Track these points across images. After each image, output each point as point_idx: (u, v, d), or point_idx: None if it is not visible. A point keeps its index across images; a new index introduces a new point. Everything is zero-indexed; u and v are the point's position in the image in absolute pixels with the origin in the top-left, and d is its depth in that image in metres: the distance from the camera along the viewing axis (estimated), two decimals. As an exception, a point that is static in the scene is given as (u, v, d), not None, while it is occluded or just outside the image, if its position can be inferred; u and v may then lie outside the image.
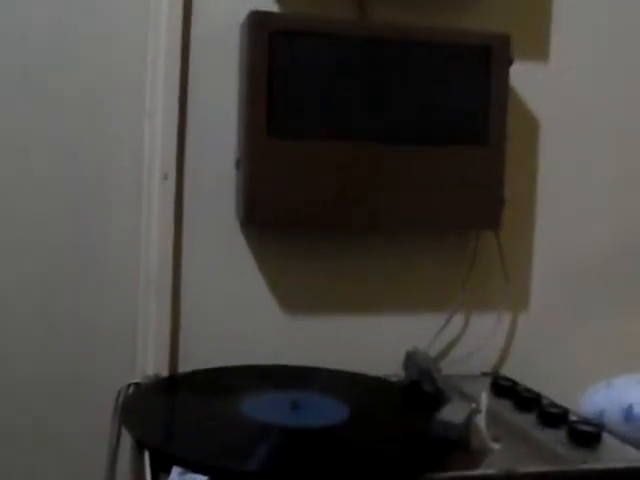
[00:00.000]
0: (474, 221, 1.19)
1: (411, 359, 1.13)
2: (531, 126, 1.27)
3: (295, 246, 1.19)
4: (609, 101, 1.31)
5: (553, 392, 1.10)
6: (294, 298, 1.20)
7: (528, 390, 1.11)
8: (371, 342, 1.22)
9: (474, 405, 0.93)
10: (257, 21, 1.06)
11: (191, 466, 0.79)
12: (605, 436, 0.96)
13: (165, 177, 1.12)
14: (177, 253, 1.14)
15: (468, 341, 1.27)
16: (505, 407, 1.07)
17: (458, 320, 1.27)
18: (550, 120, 1.28)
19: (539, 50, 1.27)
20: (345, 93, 1.10)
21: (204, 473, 0.78)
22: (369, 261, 1.22)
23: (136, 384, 1.07)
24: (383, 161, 1.12)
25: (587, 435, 0.94)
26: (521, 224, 1.28)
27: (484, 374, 1.23)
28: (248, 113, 1.07)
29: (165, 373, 1.13)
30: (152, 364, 1.12)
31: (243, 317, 1.18)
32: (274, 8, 1.14)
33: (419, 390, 1.08)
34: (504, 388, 1.12)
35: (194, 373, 1.11)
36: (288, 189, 1.08)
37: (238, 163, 1.12)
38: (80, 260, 1.12)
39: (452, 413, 0.89)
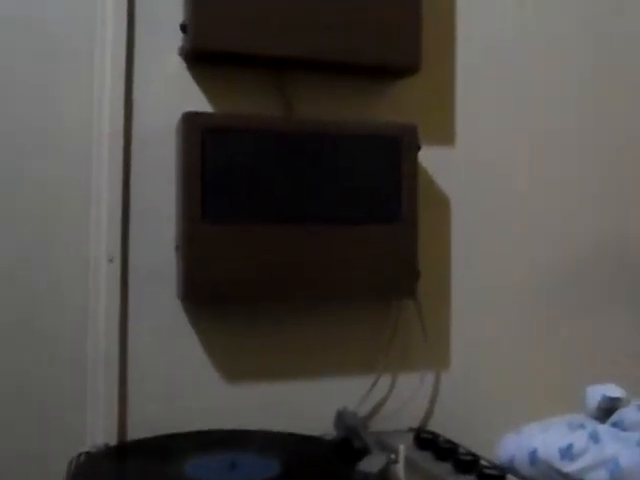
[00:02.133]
0: (393, 292, 1.32)
1: (341, 418, 1.24)
2: (441, 202, 1.42)
3: (232, 319, 1.30)
4: (510, 177, 1.48)
5: (473, 442, 1.22)
6: (233, 367, 1.30)
7: (447, 441, 1.22)
8: (306, 404, 1.33)
9: (392, 456, 1.05)
10: (190, 121, 1.19)
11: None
12: (510, 478, 1.08)
13: (111, 260, 1.23)
14: (123, 329, 1.24)
15: (395, 399, 1.39)
16: (426, 457, 1.18)
17: (385, 380, 1.38)
18: (458, 195, 1.43)
19: (446, 134, 1.43)
20: (272, 181, 1.23)
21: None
22: (302, 329, 1.34)
23: (87, 453, 1.16)
24: (311, 240, 1.24)
25: (492, 478, 1.06)
26: (438, 291, 1.42)
27: (411, 429, 1.34)
28: (184, 202, 1.19)
29: (114, 442, 1.22)
30: (102, 434, 1.21)
31: (186, 386, 1.28)
32: (208, 108, 1.28)
33: (349, 446, 1.18)
34: (426, 441, 1.24)
35: (141, 441, 1.20)
36: (222, 269, 1.20)
37: (177, 247, 1.24)
38: (33, 337, 1.21)
39: (370, 464, 1.00)
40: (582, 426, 1.21)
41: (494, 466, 1.11)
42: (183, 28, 1.22)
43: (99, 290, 1.23)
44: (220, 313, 1.29)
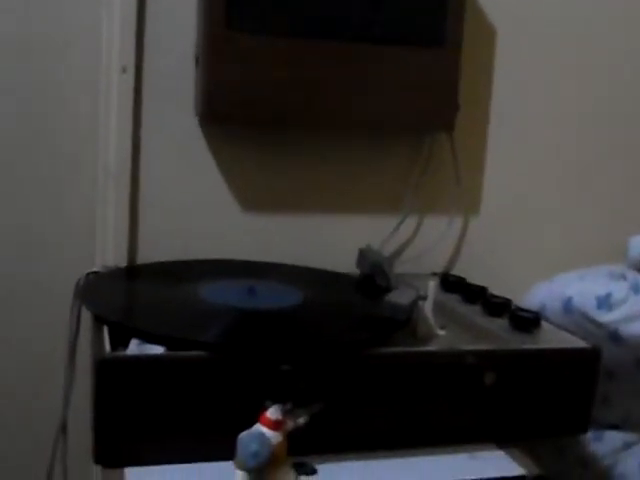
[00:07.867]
0: (428, 123, 1.21)
1: (364, 255, 1.16)
2: (487, 32, 1.29)
3: (252, 145, 1.20)
4: (568, 8, 1.33)
5: (499, 292, 1.15)
6: (251, 196, 1.22)
7: (475, 285, 1.16)
8: (325, 240, 1.25)
9: (421, 292, 0.98)
10: None
11: (148, 337, 0.82)
12: (544, 323, 1.02)
13: (124, 70, 1.12)
14: (136, 147, 1.15)
15: (420, 242, 1.31)
16: (453, 300, 1.12)
17: (411, 222, 1.30)
18: (506, 27, 1.29)
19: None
20: (304, -11, 1.10)
21: (160, 344, 0.81)
22: (324, 161, 1.24)
23: (95, 273, 1.09)
24: (338, 60, 1.12)
25: (527, 321, 1.00)
26: (475, 129, 1.31)
27: (435, 274, 1.28)
28: (207, 5, 1.07)
29: (124, 265, 1.15)
30: (111, 256, 1.15)
31: (200, 213, 1.20)
32: None
33: (372, 283, 1.11)
34: (453, 284, 1.17)
35: (152, 264, 1.14)
36: (245, 84, 1.08)
37: (197, 59, 1.12)
38: (38, 152, 1.13)
39: (399, 296, 0.93)
40: (623, 277, 1.14)
41: (527, 310, 1.04)
42: None
43: (110, 103, 1.13)
44: (239, 136, 1.19)
